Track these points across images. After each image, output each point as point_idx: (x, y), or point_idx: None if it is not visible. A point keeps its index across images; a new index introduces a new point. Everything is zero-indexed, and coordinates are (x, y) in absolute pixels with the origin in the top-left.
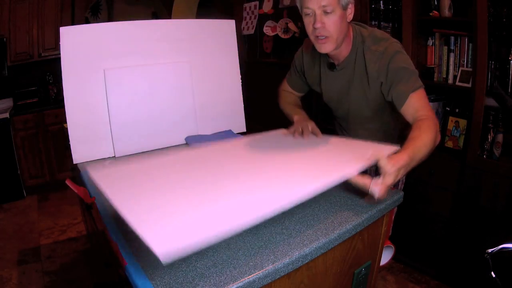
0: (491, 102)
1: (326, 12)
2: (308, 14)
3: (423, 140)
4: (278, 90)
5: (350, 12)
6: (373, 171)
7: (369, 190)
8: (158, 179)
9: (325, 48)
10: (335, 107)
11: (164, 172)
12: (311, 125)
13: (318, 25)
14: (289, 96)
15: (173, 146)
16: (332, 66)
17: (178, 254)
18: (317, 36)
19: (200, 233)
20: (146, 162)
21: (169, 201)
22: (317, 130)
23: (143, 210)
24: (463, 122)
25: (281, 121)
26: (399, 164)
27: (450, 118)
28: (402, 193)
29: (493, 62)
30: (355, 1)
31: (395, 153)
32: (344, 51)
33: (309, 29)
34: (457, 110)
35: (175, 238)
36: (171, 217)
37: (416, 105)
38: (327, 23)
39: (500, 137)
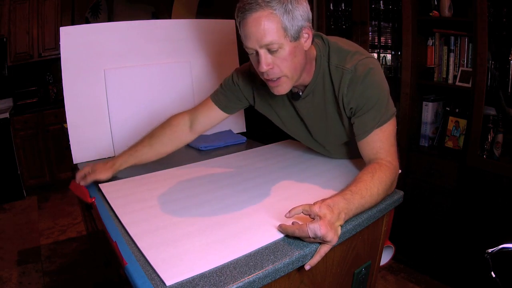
0: (489, 110)
1: (271, 51)
2: (252, 53)
3: (370, 189)
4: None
5: (307, 38)
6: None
7: (308, 230)
8: (166, 196)
9: (278, 90)
10: (308, 140)
11: (173, 188)
12: (97, 178)
13: (263, 68)
14: (163, 128)
15: None
16: (295, 96)
17: (183, 279)
18: (267, 79)
19: (206, 263)
20: (161, 179)
21: (177, 224)
22: (86, 178)
23: (153, 234)
24: (463, 122)
25: None
26: (327, 202)
27: (450, 118)
28: (402, 193)
29: (493, 62)
30: (354, 2)
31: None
32: (307, 78)
33: (256, 69)
34: (457, 110)
35: (182, 266)
36: (179, 243)
37: (377, 146)
38: (275, 62)
39: (500, 137)
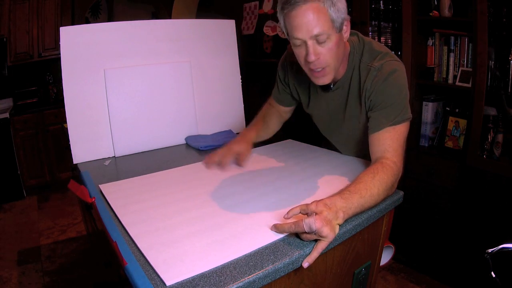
0: (490, 111)
1: (319, 42)
2: (299, 45)
3: (370, 189)
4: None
5: (346, 30)
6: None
7: (303, 225)
8: (166, 196)
9: (322, 81)
10: (326, 129)
11: (173, 189)
12: (236, 151)
13: (311, 58)
14: (268, 109)
15: (173, 146)
16: (326, 87)
17: (183, 279)
18: (312, 69)
19: (206, 263)
20: (160, 180)
21: (177, 225)
22: (241, 160)
23: (153, 235)
24: (463, 122)
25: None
26: (325, 201)
27: (450, 118)
28: (402, 193)
29: (493, 62)
30: (354, 2)
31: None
32: (341, 70)
33: (301, 60)
34: (457, 110)
35: (182, 267)
36: (179, 244)
37: (387, 143)
38: (322, 53)
39: (500, 137)
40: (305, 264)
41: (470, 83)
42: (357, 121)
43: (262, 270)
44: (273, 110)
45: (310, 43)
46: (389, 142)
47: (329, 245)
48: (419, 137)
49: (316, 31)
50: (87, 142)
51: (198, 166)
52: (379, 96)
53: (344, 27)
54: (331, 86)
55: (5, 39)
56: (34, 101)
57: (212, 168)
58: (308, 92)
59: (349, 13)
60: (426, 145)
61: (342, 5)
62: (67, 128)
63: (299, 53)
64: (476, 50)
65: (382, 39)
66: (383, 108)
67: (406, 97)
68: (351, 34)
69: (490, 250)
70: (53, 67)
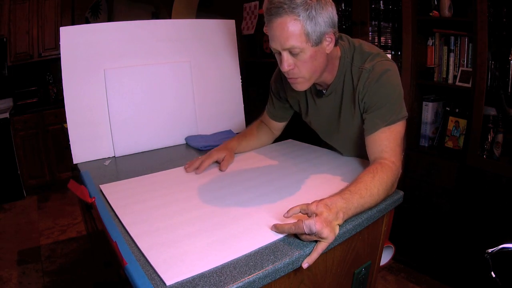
0: (490, 111)
1: (293, 54)
2: (276, 53)
3: (369, 189)
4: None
5: (329, 42)
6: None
7: (303, 226)
8: (166, 197)
9: (297, 87)
10: (324, 134)
11: (173, 189)
12: (215, 158)
13: (284, 68)
14: (259, 124)
15: (173, 146)
16: (319, 93)
17: (183, 279)
18: (287, 77)
19: (206, 263)
20: (160, 180)
21: (177, 225)
22: (222, 165)
23: (153, 235)
24: (463, 122)
25: None
26: (325, 202)
27: (450, 118)
28: (402, 193)
29: (493, 62)
30: (354, 2)
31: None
32: (329, 76)
33: (279, 66)
34: (457, 110)
35: (182, 267)
36: (179, 244)
37: (383, 144)
38: (296, 64)
39: (500, 137)
40: (305, 265)
41: (470, 83)
42: (353, 124)
43: (262, 270)
44: (265, 126)
45: (284, 54)
46: (386, 142)
47: (329, 245)
48: (419, 137)
49: (287, 45)
50: (87, 142)
51: None
52: (373, 97)
53: (328, 39)
54: (324, 91)
55: (5, 39)
56: (34, 101)
57: (190, 171)
58: (306, 99)
59: (349, 13)
60: (426, 145)
61: (323, 19)
62: (67, 128)
63: (277, 60)
64: (476, 50)
65: (382, 39)
66: (377, 109)
67: (400, 96)
68: (340, 38)
69: (490, 250)
70: (53, 67)
